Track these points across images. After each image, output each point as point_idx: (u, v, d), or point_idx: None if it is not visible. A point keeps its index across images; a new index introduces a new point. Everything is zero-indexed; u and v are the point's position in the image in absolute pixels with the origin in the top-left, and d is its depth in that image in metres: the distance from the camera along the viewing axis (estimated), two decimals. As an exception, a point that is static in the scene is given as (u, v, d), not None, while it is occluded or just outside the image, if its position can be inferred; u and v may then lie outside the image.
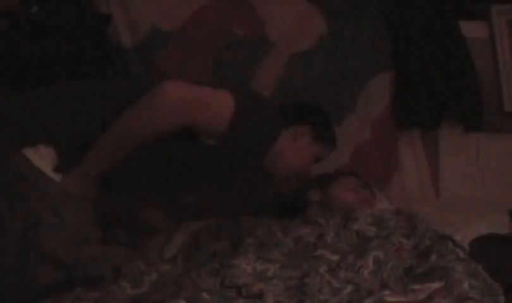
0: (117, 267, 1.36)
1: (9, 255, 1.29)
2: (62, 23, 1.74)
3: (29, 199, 1.30)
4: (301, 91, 1.79)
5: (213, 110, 1.31)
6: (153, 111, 1.27)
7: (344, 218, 1.48)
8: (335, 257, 1.28)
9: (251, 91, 1.56)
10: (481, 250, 1.38)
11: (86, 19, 1.76)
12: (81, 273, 1.33)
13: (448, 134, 1.84)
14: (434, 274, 1.16)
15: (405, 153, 1.93)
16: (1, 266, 1.29)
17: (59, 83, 1.44)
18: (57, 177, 1.32)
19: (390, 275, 1.22)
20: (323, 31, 1.83)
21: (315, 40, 1.82)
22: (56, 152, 1.32)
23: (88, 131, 1.32)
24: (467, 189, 1.84)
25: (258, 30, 1.80)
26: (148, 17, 1.74)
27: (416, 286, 1.12)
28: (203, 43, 1.78)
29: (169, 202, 1.73)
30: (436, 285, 1.11)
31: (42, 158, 1.32)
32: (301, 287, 1.15)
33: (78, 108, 1.35)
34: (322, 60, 1.83)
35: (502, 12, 1.79)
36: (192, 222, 1.71)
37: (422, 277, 1.17)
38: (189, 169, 1.43)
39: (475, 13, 1.81)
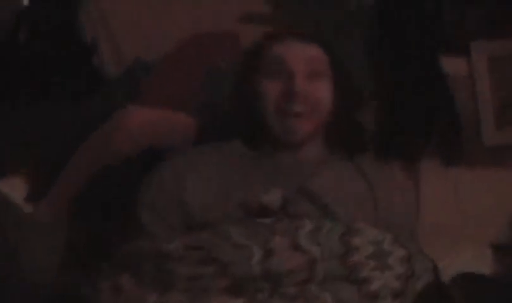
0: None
1: None
2: (50, 52, 1.78)
3: (4, 231, 1.30)
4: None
5: (173, 131, 1.34)
6: (113, 138, 1.29)
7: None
8: None
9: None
10: (465, 292, 1.37)
11: (73, 49, 1.80)
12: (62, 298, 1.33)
13: (428, 167, 1.86)
14: None
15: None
16: None
17: (34, 109, 1.47)
18: (28, 208, 1.33)
19: None
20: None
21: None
22: (27, 181, 1.33)
23: (59, 160, 1.34)
24: (447, 221, 1.85)
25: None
26: (132, 48, 1.78)
27: None
28: (186, 73, 1.81)
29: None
30: None
31: (12, 188, 1.33)
32: None
33: (49, 136, 1.37)
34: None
35: (481, 48, 1.83)
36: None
37: None
38: None
39: (455, 49, 1.86)
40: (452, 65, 1.85)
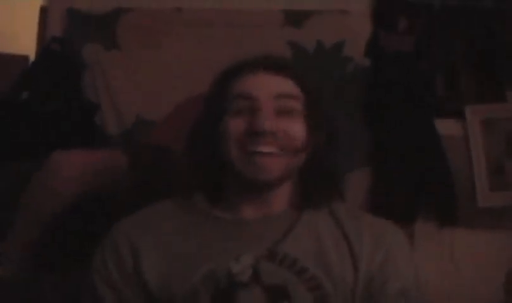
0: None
1: None
2: (52, 110, 1.81)
3: None
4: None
5: (110, 169, 1.33)
6: (47, 187, 1.28)
7: None
8: None
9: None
10: None
11: (75, 107, 1.84)
12: None
13: (423, 228, 1.88)
14: None
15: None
16: None
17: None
18: None
19: None
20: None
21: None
22: None
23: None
24: (443, 283, 1.85)
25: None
26: (133, 108, 1.82)
27: None
28: (186, 132, 1.84)
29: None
30: None
31: None
32: None
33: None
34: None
35: (475, 111, 1.87)
36: None
37: None
38: None
39: (449, 112, 1.90)
40: (447, 128, 1.88)
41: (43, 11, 1.96)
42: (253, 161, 1.07)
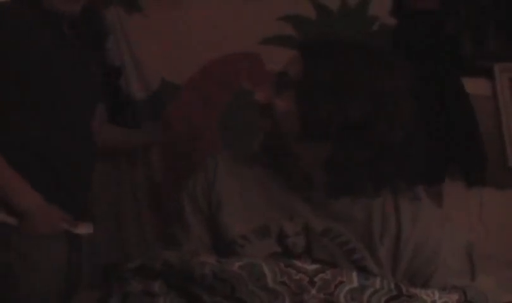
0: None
1: None
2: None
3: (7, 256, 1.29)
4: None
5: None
6: None
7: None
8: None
9: None
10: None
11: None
12: None
13: (452, 189, 1.86)
14: None
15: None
16: None
17: None
18: (13, 220, 1.32)
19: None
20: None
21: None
22: None
23: None
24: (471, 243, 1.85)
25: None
26: (158, 71, 1.80)
27: None
28: (212, 95, 1.83)
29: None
30: None
31: None
32: None
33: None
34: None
35: (504, 69, 1.84)
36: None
37: None
38: None
39: (478, 71, 1.86)
40: (475, 87, 1.85)
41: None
42: None
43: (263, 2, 1.86)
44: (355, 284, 1.00)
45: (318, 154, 1.09)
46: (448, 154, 1.85)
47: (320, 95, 1.06)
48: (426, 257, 1.10)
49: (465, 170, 1.86)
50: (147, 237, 1.84)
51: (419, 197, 1.16)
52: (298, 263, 1.03)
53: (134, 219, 1.88)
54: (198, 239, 1.15)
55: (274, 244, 1.09)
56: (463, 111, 1.84)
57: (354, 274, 1.02)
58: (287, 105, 1.10)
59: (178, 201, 1.20)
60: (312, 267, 1.03)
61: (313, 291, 0.98)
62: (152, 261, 1.05)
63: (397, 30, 1.89)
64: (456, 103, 1.85)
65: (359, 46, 1.16)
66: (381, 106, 1.06)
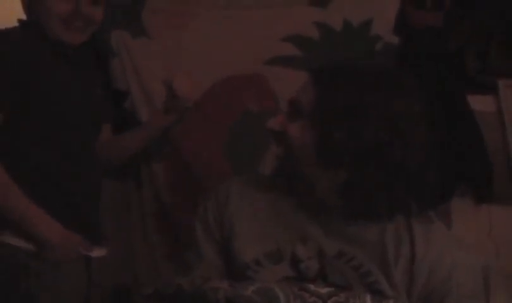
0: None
1: None
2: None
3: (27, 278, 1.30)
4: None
5: None
6: None
7: None
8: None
9: None
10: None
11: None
12: None
13: (460, 206, 1.86)
14: None
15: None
16: None
17: None
18: (32, 247, 1.32)
19: None
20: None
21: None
22: None
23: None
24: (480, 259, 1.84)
25: (271, 105, 1.83)
26: (163, 93, 1.80)
27: None
28: (218, 117, 1.83)
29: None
30: None
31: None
32: None
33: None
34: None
35: (508, 85, 1.84)
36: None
37: None
38: None
39: (482, 87, 1.87)
40: (480, 103, 1.86)
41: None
42: None
43: (267, 23, 1.87)
44: None
45: (332, 178, 1.09)
46: (456, 172, 1.85)
47: (333, 121, 1.06)
48: (440, 279, 1.11)
49: (473, 187, 1.86)
50: (156, 258, 1.83)
51: (432, 219, 1.16)
52: (312, 286, 1.04)
53: (143, 240, 1.87)
54: (211, 264, 1.15)
55: (288, 268, 1.10)
56: (469, 128, 1.85)
57: (368, 297, 1.04)
58: (300, 133, 1.10)
59: (190, 226, 1.20)
60: (325, 290, 1.04)
61: None
62: (165, 286, 1.05)
63: (401, 49, 1.90)
64: (462, 120, 1.85)
65: (369, 68, 1.16)
66: (395, 128, 1.06)
